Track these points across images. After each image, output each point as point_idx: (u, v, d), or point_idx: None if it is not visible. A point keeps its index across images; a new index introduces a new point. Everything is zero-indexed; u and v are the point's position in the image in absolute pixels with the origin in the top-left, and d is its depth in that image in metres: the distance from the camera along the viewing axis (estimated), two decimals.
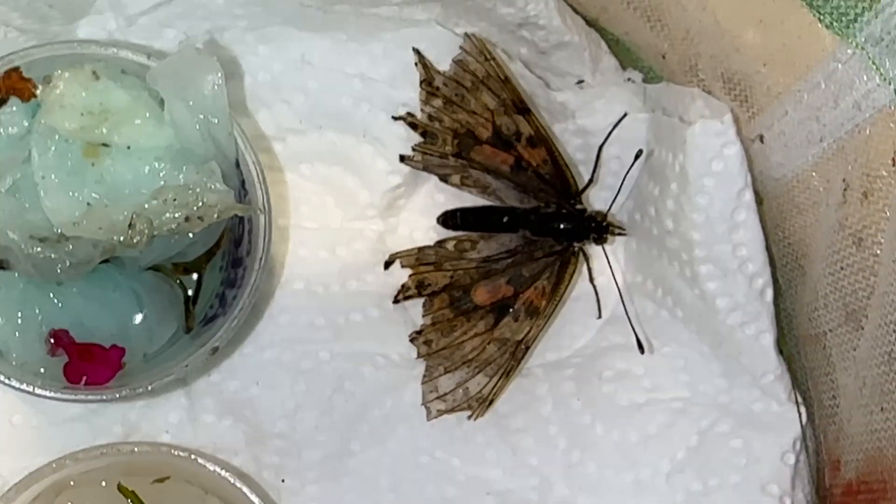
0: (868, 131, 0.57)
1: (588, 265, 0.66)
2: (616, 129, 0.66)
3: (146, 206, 0.58)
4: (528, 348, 0.65)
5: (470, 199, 0.67)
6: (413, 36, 0.65)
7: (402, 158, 0.66)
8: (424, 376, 0.65)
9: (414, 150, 0.66)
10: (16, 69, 0.59)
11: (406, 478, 0.64)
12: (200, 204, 0.58)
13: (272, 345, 0.65)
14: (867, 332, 0.58)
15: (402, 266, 0.66)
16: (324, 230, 0.67)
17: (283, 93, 0.65)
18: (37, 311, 0.60)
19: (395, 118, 0.65)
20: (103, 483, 0.60)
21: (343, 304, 0.66)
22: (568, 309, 0.67)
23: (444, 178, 0.66)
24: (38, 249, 0.58)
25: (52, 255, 0.58)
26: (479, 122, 0.65)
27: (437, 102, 0.65)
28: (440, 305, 0.66)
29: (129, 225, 0.57)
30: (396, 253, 0.67)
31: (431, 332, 0.65)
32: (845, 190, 0.58)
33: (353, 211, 0.67)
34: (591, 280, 0.66)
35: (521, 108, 0.65)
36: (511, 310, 0.65)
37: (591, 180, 0.66)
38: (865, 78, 0.56)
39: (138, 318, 0.61)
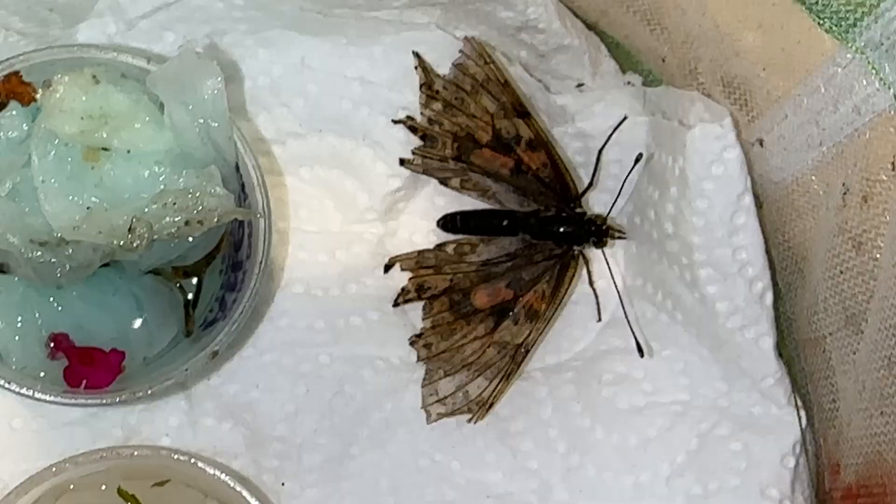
0: (868, 135, 0.57)
1: (588, 268, 0.66)
2: (616, 133, 0.66)
3: (146, 210, 0.58)
4: (527, 352, 0.65)
5: (470, 203, 0.67)
6: (413, 39, 0.65)
7: (402, 162, 0.66)
8: (424, 380, 0.65)
9: (414, 153, 0.66)
10: (16, 73, 0.59)
11: (406, 481, 0.64)
12: (200, 208, 0.58)
13: (272, 348, 0.65)
14: (867, 335, 0.58)
15: (402, 269, 0.66)
16: (323, 234, 0.67)
17: (283, 96, 0.65)
18: (37, 314, 0.60)
19: (394, 122, 0.65)
20: (103, 487, 0.60)
21: (343, 308, 0.66)
22: (568, 312, 0.67)
23: (443, 182, 0.66)
24: (38, 253, 0.58)
25: (52, 259, 0.58)
26: (479, 126, 0.65)
27: (437, 106, 0.65)
28: (440, 309, 0.66)
29: (129, 229, 0.57)
30: (396, 256, 0.66)
31: (431, 335, 0.65)
32: (845, 194, 0.58)
33: (353, 214, 0.67)
34: (591, 283, 0.66)
35: (521, 111, 0.65)
36: (511, 313, 0.65)
37: (590, 184, 0.66)
38: (865, 82, 0.56)
39: (138, 321, 0.61)
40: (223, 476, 0.60)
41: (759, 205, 0.63)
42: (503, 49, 0.67)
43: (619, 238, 0.66)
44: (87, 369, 0.60)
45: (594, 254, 0.66)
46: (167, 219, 0.58)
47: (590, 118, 0.67)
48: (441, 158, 0.66)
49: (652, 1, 0.64)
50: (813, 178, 0.61)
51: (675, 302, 0.65)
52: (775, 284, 0.64)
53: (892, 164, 0.56)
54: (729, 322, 0.63)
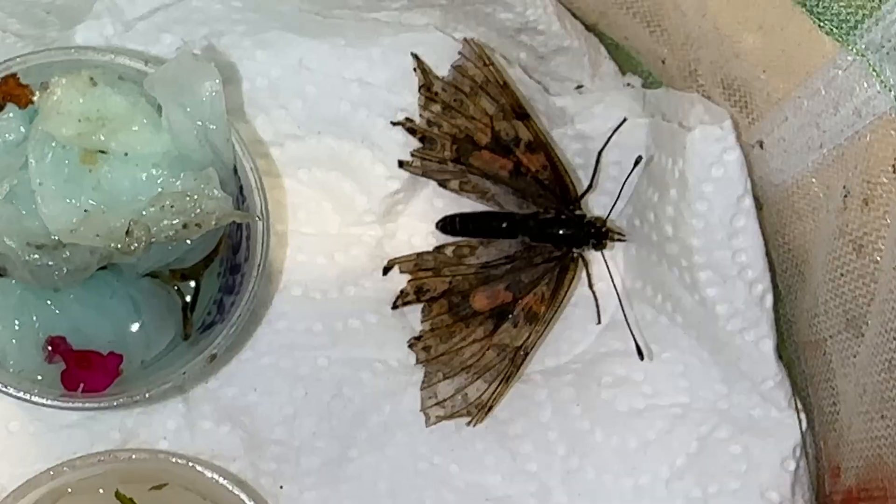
0: (868, 138, 0.57)
1: (587, 271, 0.66)
2: (615, 135, 0.66)
3: (144, 212, 0.58)
4: (527, 354, 0.65)
5: (469, 205, 0.67)
6: (412, 41, 0.65)
7: (401, 164, 0.65)
8: (423, 382, 0.65)
9: (412, 155, 0.65)
10: (13, 75, 0.59)
11: (405, 484, 0.64)
12: (198, 210, 0.58)
13: (270, 351, 0.65)
14: (867, 338, 0.58)
15: (401, 272, 0.66)
16: (322, 236, 0.66)
17: (281, 98, 0.64)
18: (34, 318, 0.60)
19: (393, 123, 0.65)
20: (101, 490, 0.60)
21: (341, 310, 0.66)
22: (567, 315, 0.67)
23: (442, 184, 0.66)
24: (36, 256, 0.57)
25: (50, 262, 0.58)
26: (478, 128, 0.65)
27: (436, 108, 0.65)
28: (439, 311, 0.65)
29: (127, 232, 0.57)
30: (395, 258, 0.66)
31: (430, 337, 0.65)
32: (845, 196, 0.58)
33: (352, 216, 0.66)
34: (591, 286, 0.66)
35: (520, 113, 0.65)
36: (510, 315, 0.65)
37: (590, 186, 0.66)
38: (866, 85, 0.56)
39: (136, 325, 0.61)
40: (221, 479, 0.60)
41: (759, 207, 0.63)
42: (502, 51, 0.67)
43: (619, 240, 0.66)
44: (84, 372, 0.59)
45: (594, 256, 0.66)
46: (165, 221, 0.58)
47: (589, 120, 0.67)
48: (440, 160, 0.65)
49: (652, 3, 0.64)
50: (813, 180, 0.60)
51: (674, 304, 0.65)
52: (775, 287, 0.64)
53: (893, 166, 0.56)
54: (729, 324, 0.63)
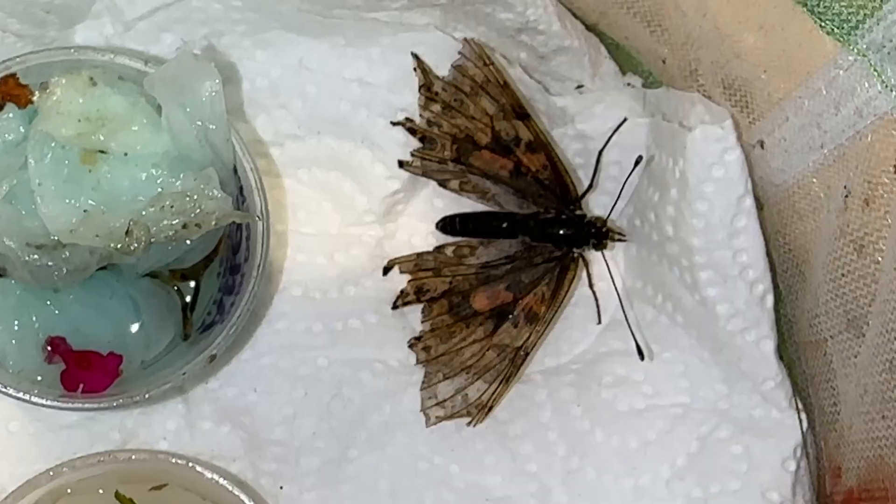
0: (869, 138, 0.57)
1: (588, 271, 0.66)
2: (616, 135, 0.66)
3: (143, 213, 0.58)
4: (527, 354, 0.65)
5: (469, 205, 0.67)
6: (412, 41, 0.65)
7: (401, 164, 0.65)
8: (423, 382, 0.65)
9: (413, 155, 0.65)
10: (12, 75, 0.59)
11: (405, 484, 0.64)
12: (198, 211, 0.58)
13: (270, 351, 0.65)
14: (868, 339, 0.58)
15: (401, 272, 0.66)
16: (322, 236, 0.66)
17: (282, 98, 0.64)
18: (34, 318, 0.60)
19: (393, 123, 0.65)
20: (101, 491, 0.60)
21: (341, 310, 0.66)
22: (567, 315, 0.67)
23: (442, 184, 0.66)
24: (35, 256, 0.57)
25: (49, 263, 0.58)
26: (478, 128, 0.65)
27: (436, 107, 0.65)
28: (439, 311, 0.65)
29: (127, 232, 0.57)
30: (395, 258, 0.66)
31: (430, 338, 0.65)
32: (846, 196, 0.58)
33: (352, 216, 0.66)
34: (591, 286, 0.66)
35: (521, 113, 0.65)
36: (510, 316, 0.65)
37: (590, 186, 0.66)
38: (867, 85, 0.56)
39: (135, 325, 0.61)
40: (221, 480, 0.60)
41: (759, 207, 0.63)
42: (502, 51, 0.67)
43: (619, 240, 0.66)
44: (84, 373, 0.59)
45: (594, 256, 0.66)
46: (165, 222, 0.58)
47: (590, 120, 0.67)
48: (440, 160, 0.65)
49: (652, 2, 0.64)
50: (814, 180, 0.60)
51: (675, 304, 0.65)
52: (776, 287, 0.64)
53: (894, 166, 0.56)
54: (729, 325, 0.63)
